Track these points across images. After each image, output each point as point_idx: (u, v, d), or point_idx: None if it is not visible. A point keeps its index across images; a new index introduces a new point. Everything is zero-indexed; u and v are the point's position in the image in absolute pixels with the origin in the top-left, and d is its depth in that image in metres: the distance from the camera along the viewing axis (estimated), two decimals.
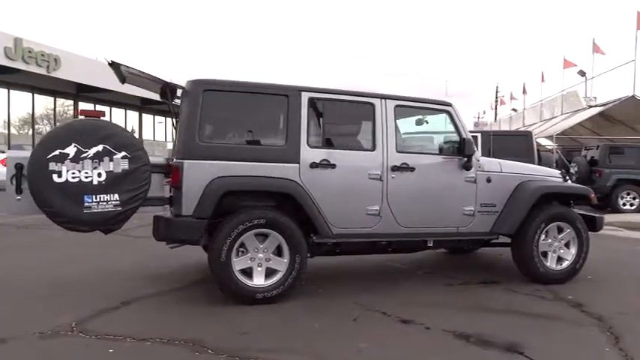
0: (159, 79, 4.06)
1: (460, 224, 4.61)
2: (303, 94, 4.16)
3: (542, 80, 22.98)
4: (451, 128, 4.65)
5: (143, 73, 3.99)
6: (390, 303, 4.07)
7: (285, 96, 4.12)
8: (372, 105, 4.36)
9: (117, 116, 23.90)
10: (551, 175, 5.23)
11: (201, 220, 3.81)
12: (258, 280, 3.97)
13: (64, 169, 3.44)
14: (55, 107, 21.86)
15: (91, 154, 3.49)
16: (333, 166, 4.15)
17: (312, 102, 4.18)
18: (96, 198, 3.51)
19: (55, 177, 3.42)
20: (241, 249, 3.95)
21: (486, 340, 3.31)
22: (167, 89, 4.20)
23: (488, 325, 3.63)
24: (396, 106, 4.44)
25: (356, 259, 5.37)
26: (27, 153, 3.63)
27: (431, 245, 4.71)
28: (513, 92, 29.81)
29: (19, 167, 3.57)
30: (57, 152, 3.43)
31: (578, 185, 5.97)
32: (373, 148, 4.32)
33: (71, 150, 3.45)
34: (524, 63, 78.24)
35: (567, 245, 4.92)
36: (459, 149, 4.56)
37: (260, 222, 3.90)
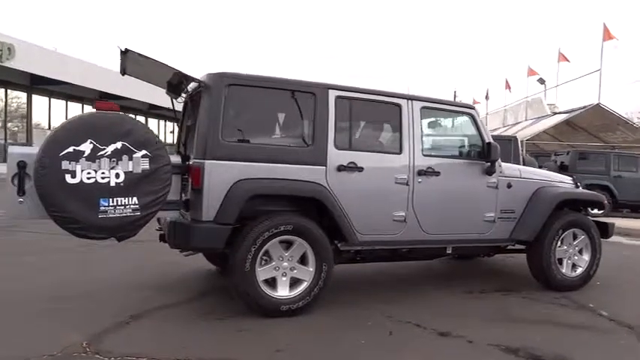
0: (174, 68, 3.67)
1: (481, 230, 4.48)
2: (331, 91, 3.91)
3: (508, 87, 23.62)
4: (473, 132, 4.52)
5: (157, 62, 3.57)
6: (420, 314, 3.88)
7: (312, 93, 3.86)
8: (399, 106, 4.16)
9: (73, 111, 22.57)
10: (564, 181, 5.21)
11: (224, 225, 3.49)
12: (283, 291, 3.69)
13: (78, 168, 3.02)
14: (5, 99, 20.47)
15: (109, 152, 3.09)
16: (361, 169, 3.92)
17: (339, 100, 3.94)
18: (113, 201, 3.11)
19: (68, 177, 2.99)
20: (265, 257, 3.66)
21: (535, 355, 3.17)
22: (184, 80, 3.83)
23: (527, 337, 3.49)
24: (422, 107, 4.26)
25: (359, 265, 5.13)
26: (32, 149, 3.18)
27: (449, 252, 4.58)
28: (475, 98, 30.52)
29: (22, 165, 3.12)
30: (71, 149, 3.00)
31: (592, 192, 6.00)
32: (400, 151, 4.12)
33: (87, 147, 3.03)
34: (485, 70, 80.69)
35: (580, 252, 4.91)
36: (482, 154, 4.43)
37: (287, 228, 3.62)
